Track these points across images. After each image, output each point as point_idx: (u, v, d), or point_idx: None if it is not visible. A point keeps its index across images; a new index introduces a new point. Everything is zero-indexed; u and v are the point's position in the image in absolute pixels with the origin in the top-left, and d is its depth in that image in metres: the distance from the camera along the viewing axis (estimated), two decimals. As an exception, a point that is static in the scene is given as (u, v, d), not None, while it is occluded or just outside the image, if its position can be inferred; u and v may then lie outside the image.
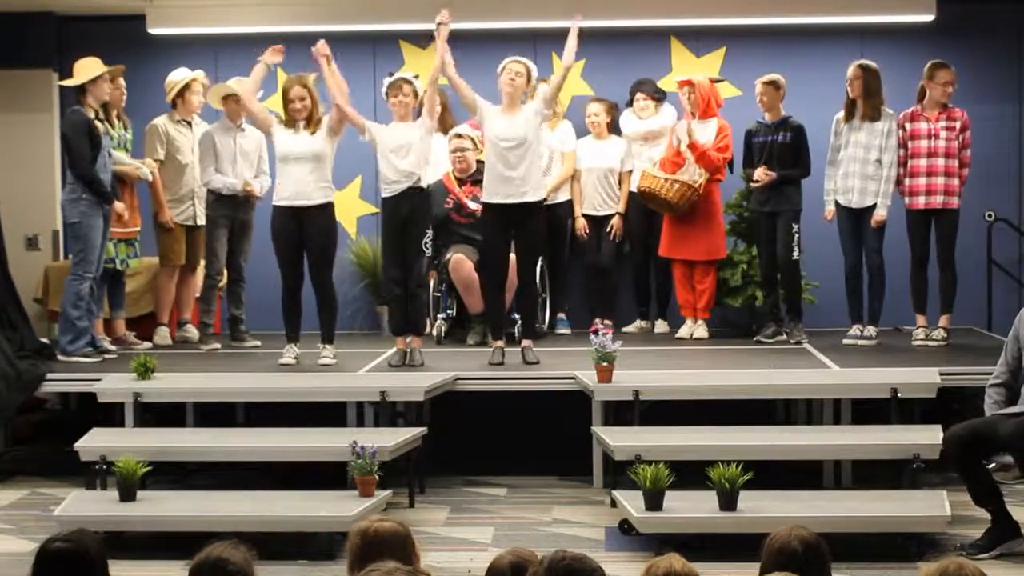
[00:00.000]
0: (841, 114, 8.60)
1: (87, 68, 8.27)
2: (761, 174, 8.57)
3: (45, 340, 8.49)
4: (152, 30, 9.62)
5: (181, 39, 9.78)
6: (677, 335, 9.06)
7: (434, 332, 8.98)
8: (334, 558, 5.96)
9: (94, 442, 6.93)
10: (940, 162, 8.35)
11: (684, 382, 7.44)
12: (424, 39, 9.87)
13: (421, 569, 3.38)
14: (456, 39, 9.78)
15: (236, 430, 7.81)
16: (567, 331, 9.45)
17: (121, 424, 7.34)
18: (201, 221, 9.06)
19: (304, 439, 6.99)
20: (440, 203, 8.94)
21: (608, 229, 9.32)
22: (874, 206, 8.46)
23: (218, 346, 8.84)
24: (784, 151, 8.59)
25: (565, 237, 9.49)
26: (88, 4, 9.73)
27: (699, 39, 9.79)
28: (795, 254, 8.63)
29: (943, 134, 8.36)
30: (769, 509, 5.97)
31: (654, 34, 9.74)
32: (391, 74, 8.25)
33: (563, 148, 9.41)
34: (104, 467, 6.75)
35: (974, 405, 7.03)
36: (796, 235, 8.61)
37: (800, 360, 8.03)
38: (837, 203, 8.59)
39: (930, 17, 9.31)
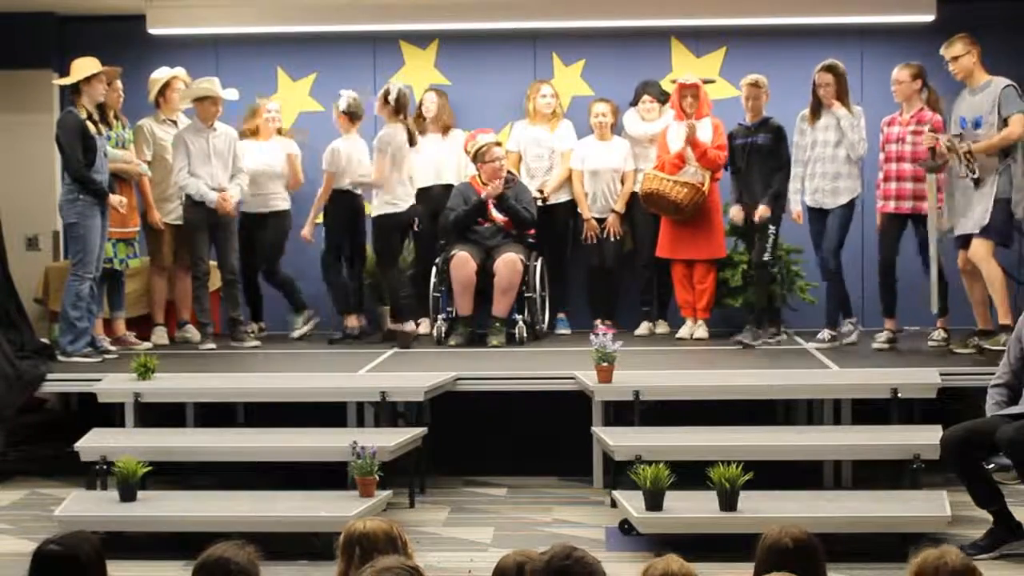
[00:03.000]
0: (806, 112, 8.45)
1: (82, 67, 8.27)
2: (761, 213, 8.47)
3: (45, 340, 8.49)
4: (152, 30, 9.61)
5: (181, 39, 9.77)
6: (677, 335, 9.06)
7: (434, 332, 8.98)
8: (334, 558, 5.92)
9: (94, 442, 6.93)
10: (907, 167, 8.16)
11: (684, 382, 7.45)
12: (424, 39, 9.90)
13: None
14: (456, 39, 9.86)
15: (236, 430, 7.81)
16: (567, 331, 9.45)
17: (121, 424, 7.34)
18: None
19: (304, 439, 6.99)
20: (465, 201, 8.97)
21: (604, 227, 9.31)
22: (845, 205, 8.35)
23: (213, 346, 8.83)
24: (764, 152, 8.53)
25: (566, 237, 9.49)
26: (88, 4, 9.72)
27: (699, 39, 9.79)
28: (766, 255, 8.51)
29: (909, 138, 8.14)
30: (769, 509, 5.97)
31: (654, 34, 9.73)
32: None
33: (563, 148, 9.41)
34: (104, 467, 6.75)
35: (974, 405, 7.03)
36: (772, 237, 8.52)
37: (800, 360, 8.02)
38: (805, 204, 8.48)
39: (930, 17, 9.30)
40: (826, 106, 8.31)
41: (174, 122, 9.12)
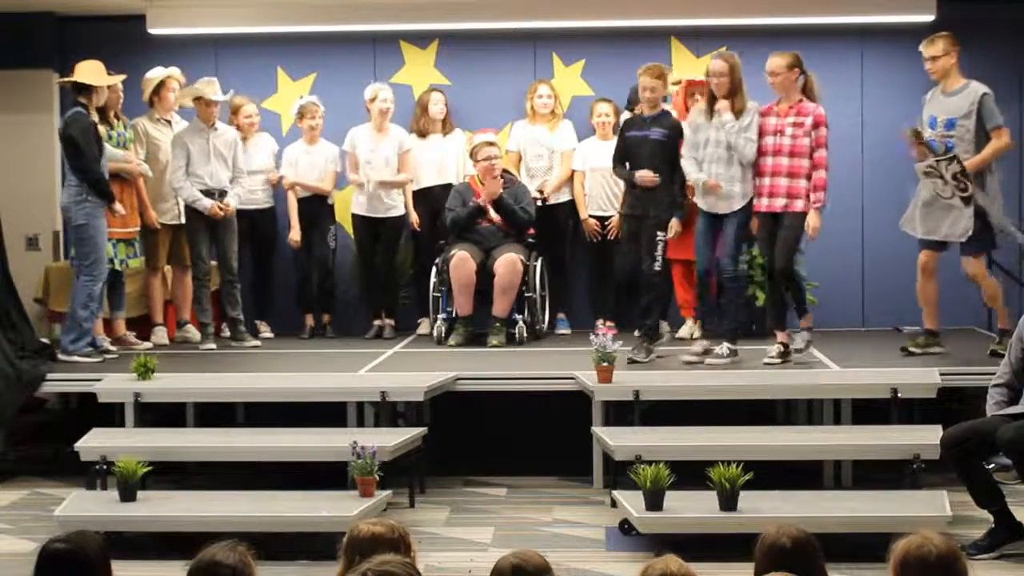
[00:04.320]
0: (702, 105, 7.85)
1: (94, 72, 8.26)
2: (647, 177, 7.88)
3: (45, 340, 8.49)
4: (152, 30, 9.61)
5: (181, 39, 9.77)
6: (677, 335, 9.05)
7: (434, 332, 8.99)
8: (334, 558, 5.89)
9: (94, 442, 6.93)
10: (784, 162, 7.54)
11: (684, 382, 7.45)
12: (424, 39, 9.90)
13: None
14: (456, 39, 9.86)
15: (236, 430, 7.81)
16: (567, 331, 9.45)
17: (121, 424, 7.34)
18: (185, 219, 9.07)
19: (304, 439, 6.99)
20: (464, 202, 9.00)
21: (608, 228, 9.31)
22: (741, 210, 7.71)
23: (213, 346, 8.83)
24: (656, 148, 8.01)
25: (566, 237, 9.49)
26: (88, 4, 9.71)
27: (699, 39, 9.78)
28: (657, 265, 7.92)
29: (789, 131, 7.53)
30: (769, 509, 5.97)
31: (654, 34, 9.72)
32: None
33: (563, 148, 9.42)
34: (104, 467, 6.75)
35: (974, 405, 7.03)
36: (660, 243, 7.92)
37: (800, 360, 8.01)
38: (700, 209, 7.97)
39: (930, 17, 9.30)
40: (717, 100, 7.67)
41: (168, 122, 9.11)
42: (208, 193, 8.79)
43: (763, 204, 7.69)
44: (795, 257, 7.85)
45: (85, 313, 8.17)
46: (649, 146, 7.99)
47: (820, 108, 7.62)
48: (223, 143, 8.90)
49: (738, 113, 7.65)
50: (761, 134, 7.65)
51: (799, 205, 7.59)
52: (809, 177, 7.58)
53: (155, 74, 9.04)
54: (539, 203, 9.26)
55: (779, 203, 7.63)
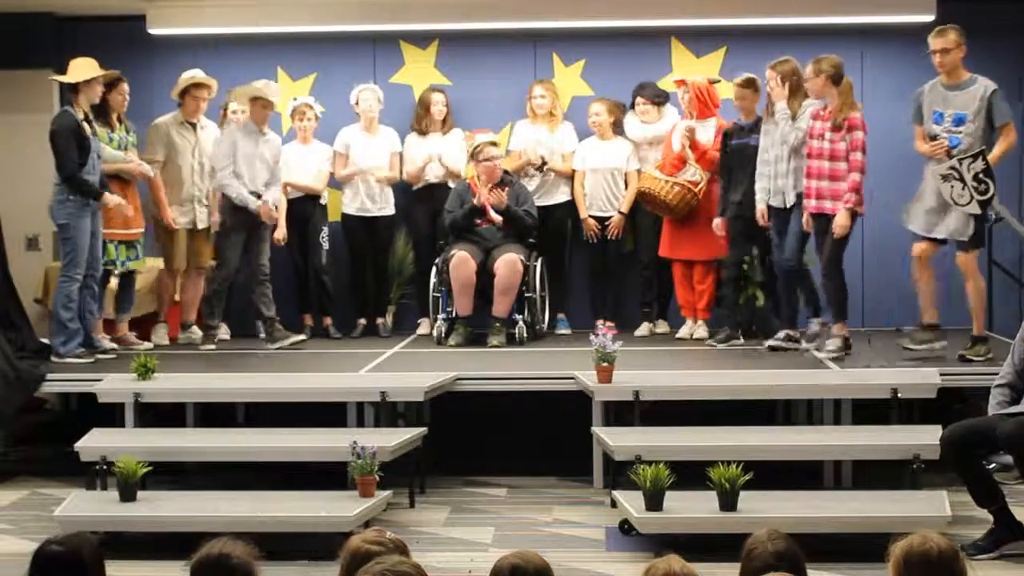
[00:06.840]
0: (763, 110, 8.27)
1: (82, 68, 8.25)
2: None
3: (45, 341, 8.48)
4: (152, 30, 9.61)
5: (181, 39, 9.77)
6: (677, 335, 9.06)
7: (434, 332, 8.99)
8: (334, 558, 5.92)
9: (94, 442, 6.94)
10: (825, 165, 7.74)
11: (684, 382, 7.45)
12: (424, 39, 9.90)
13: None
14: (456, 39, 9.86)
15: (236, 430, 7.81)
16: (567, 331, 9.46)
17: (121, 424, 7.34)
18: (202, 224, 9.03)
19: (304, 439, 6.99)
20: (463, 203, 9.00)
21: (606, 227, 9.30)
22: (796, 204, 8.00)
23: (214, 346, 8.82)
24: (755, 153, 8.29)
25: (565, 237, 9.49)
26: (88, 4, 9.72)
27: (699, 39, 9.78)
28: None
29: (828, 135, 7.72)
30: (769, 509, 5.97)
31: (654, 34, 9.73)
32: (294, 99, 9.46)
33: (563, 149, 9.41)
34: (104, 467, 6.75)
35: (974, 405, 7.03)
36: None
37: (800, 360, 8.02)
38: (769, 204, 8.16)
39: (930, 17, 9.28)
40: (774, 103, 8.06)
41: (192, 126, 9.02)
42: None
43: (811, 205, 7.83)
44: (805, 259, 8.10)
45: (67, 314, 8.13)
46: (752, 151, 8.31)
47: (856, 112, 7.72)
48: (270, 150, 8.83)
49: (794, 114, 7.97)
50: (810, 137, 7.84)
51: (838, 207, 7.70)
52: None
53: (189, 75, 8.99)
54: (540, 169, 9.32)
55: (827, 205, 7.76)
